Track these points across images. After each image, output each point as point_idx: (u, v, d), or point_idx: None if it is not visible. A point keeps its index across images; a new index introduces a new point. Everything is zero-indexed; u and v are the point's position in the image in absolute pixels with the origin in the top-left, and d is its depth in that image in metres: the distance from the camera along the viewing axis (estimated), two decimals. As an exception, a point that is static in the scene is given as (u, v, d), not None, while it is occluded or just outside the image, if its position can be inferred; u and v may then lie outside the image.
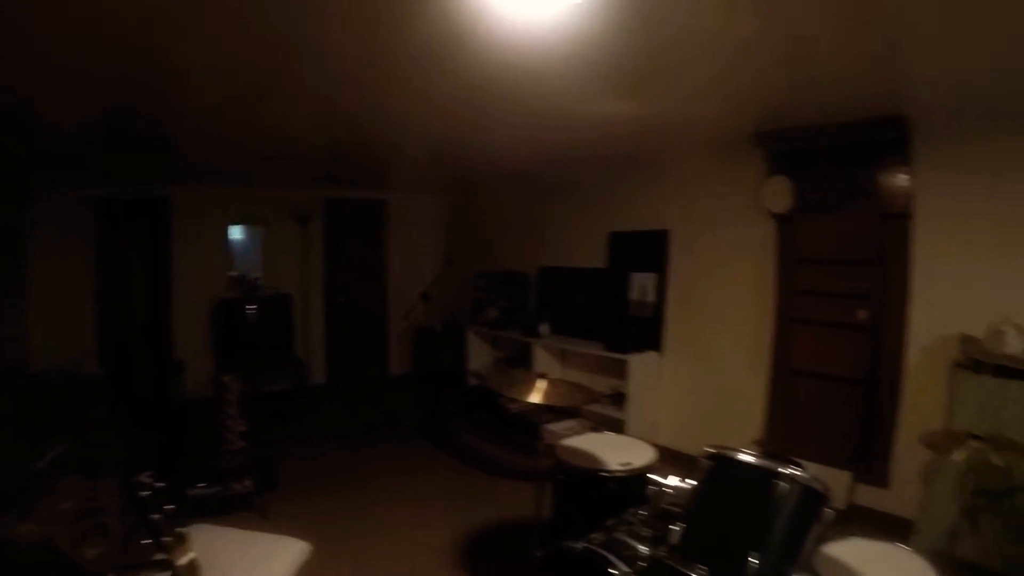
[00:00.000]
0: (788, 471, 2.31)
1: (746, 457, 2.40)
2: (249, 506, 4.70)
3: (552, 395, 3.08)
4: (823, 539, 2.89)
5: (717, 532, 2.43)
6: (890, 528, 4.05)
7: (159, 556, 2.03)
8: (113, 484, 3.73)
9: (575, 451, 3.58)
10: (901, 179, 4.59)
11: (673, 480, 2.68)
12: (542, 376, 3.19)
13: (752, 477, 2.40)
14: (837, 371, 4.94)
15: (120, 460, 4.47)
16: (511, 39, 2.97)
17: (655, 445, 3.61)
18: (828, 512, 2.46)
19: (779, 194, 5.04)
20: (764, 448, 4.91)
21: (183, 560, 2.05)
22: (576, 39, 2.97)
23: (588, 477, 3.36)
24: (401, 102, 4.36)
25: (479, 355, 8.25)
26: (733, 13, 2.71)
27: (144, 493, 2.04)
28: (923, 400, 4.53)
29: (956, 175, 4.41)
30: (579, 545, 2.72)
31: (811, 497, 2.39)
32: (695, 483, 2.52)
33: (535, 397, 3.03)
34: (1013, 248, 4.20)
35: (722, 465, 2.47)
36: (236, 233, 8.33)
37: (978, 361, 3.85)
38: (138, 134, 5.05)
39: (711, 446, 2.50)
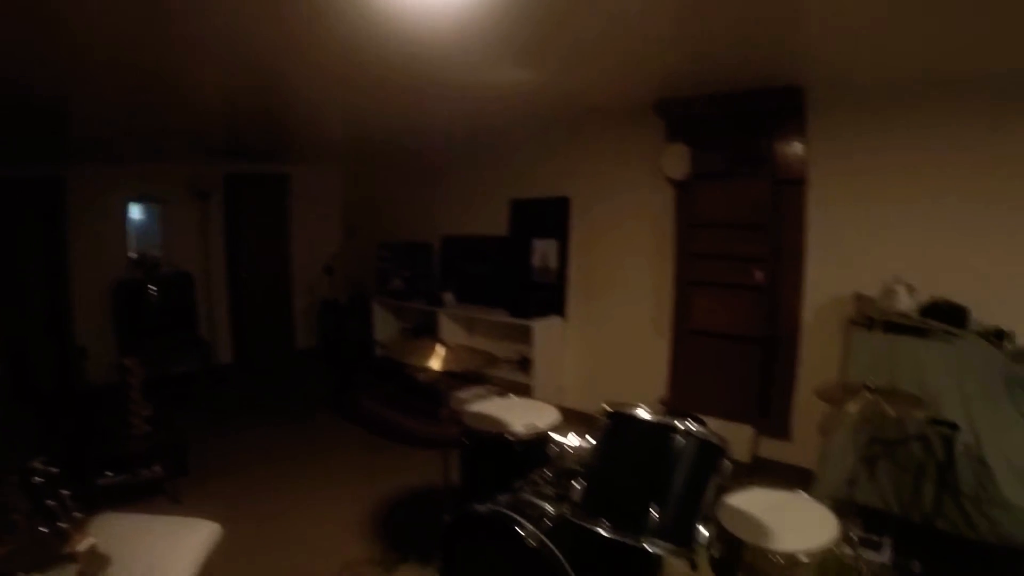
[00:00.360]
0: (683, 425, 2.35)
1: (643, 414, 2.43)
2: (160, 492, 4.55)
3: (451, 361, 3.05)
4: (725, 490, 2.98)
5: (618, 487, 2.46)
6: (793, 478, 4.17)
7: (67, 549, 1.95)
8: (18, 480, 3.57)
9: (480, 416, 3.58)
10: (796, 147, 4.73)
11: (574, 439, 2.71)
12: (441, 343, 3.17)
13: (649, 433, 2.43)
14: (737, 330, 5.08)
15: (25, 454, 4.28)
16: (406, 10, 2.92)
17: (562, 408, 3.64)
18: (726, 464, 2.53)
19: (677, 161, 5.11)
20: (669, 406, 5.02)
21: (82, 546, 1.98)
22: (469, 7, 2.94)
23: (494, 441, 3.37)
24: (299, 75, 4.25)
25: (385, 326, 8.12)
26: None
27: (38, 480, 1.96)
28: (820, 356, 4.72)
29: (848, 143, 4.59)
30: (485, 508, 2.72)
31: (708, 450, 2.45)
32: (594, 441, 2.55)
33: (434, 363, 3.00)
34: (902, 212, 4.43)
35: (619, 422, 2.49)
36: (135, 212, 7.89)
37: (871, 318, 3.98)
38: (31, 106, 4.72)
39: (609, 404, 2.52)
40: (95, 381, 7.07)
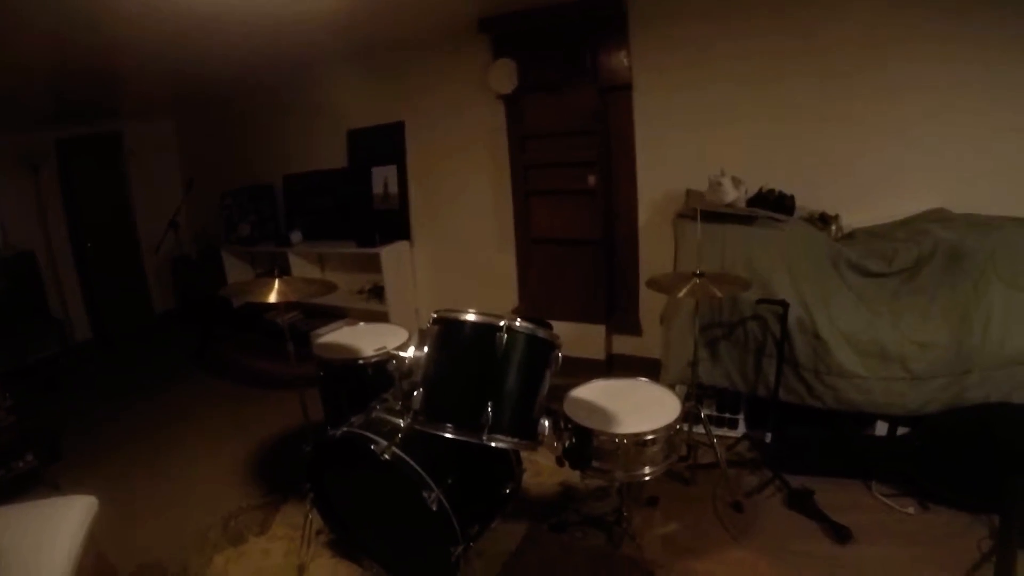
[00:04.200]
0: (505, 323, 2.47)
1: (468, 316, 2.53)
2: (37, 482, 4.38)
3: (287, 292, 3.07)
4: (570, 384, 3.15)
5: (454, 390, 2.57)
6: (647, 370, 4.41)
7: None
8: None
9: (331, 346, 3.64)
10: (620, 54, 4.84)
11: (411, 351, 2.78)
12: (275, 276, 3.16)
13: (476, 334, 2.54)
14: (577, 235, 5.25)
15: None
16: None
17: (421, 331, 3.71)
18: (558, 357, 2.67)
19: (504, 76, 5.15)
20: (522, 315, 5.14)
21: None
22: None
23: (345, 368, 3.44)
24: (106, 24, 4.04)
25: (239, 274, 7.85)
26: None
27: None
28: (659, 252, 4.93)
29: (669, 50, 4.73)
30: (339, 432, 2.80)
31: (537, 344, 2.58)
32: (427, 349, 2.63)
33: (272, 297, 3.01)
34: (726, 108, 4.62)
35: (447, 327, 2.59)
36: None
37: (695, 210, 4.19)
38: None
39: (436, 312, 2.61)
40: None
